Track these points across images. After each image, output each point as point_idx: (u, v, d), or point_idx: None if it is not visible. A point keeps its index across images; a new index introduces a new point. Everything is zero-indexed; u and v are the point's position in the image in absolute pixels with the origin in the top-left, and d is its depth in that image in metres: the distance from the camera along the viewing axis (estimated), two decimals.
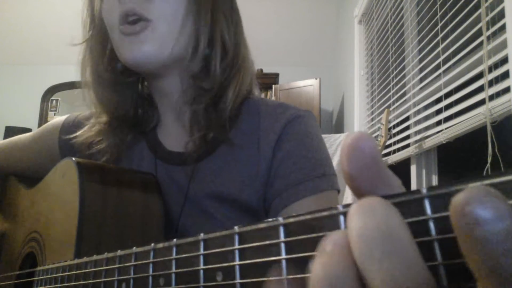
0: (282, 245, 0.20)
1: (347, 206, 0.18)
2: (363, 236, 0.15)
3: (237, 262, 0.22)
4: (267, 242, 0.21)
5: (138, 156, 0.66)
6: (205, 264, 0.24)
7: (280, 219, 0.21)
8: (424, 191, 0.16)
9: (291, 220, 0.20)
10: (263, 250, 0.21)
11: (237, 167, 0.60)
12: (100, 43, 0.63)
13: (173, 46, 0.58)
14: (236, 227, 0.23)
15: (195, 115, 0.61)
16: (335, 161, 2.23)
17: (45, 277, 0.50)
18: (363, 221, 0.16)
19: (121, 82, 0.64)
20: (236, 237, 0.22)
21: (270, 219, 0.21)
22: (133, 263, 0.31)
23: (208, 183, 0.60)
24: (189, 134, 0.62)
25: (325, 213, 0.19)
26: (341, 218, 0.18)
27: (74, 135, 0.68)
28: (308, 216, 0.20)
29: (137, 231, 0.55)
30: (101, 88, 0.64)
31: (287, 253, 0.20)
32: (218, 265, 0.23)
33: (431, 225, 0.16)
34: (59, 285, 0.45)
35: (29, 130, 3.97)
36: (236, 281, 0.21)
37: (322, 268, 0.16)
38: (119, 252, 0.34)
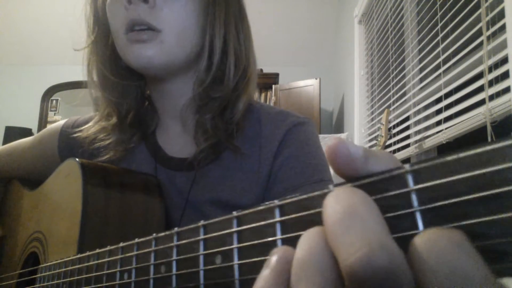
0: (278, 225, 0.21)
1: (337, 185, 0.20)
2: (329, 218, 0.17)
3: (235, 245, 0.23)
4: (263, 223, 0.22)
5: (138, 160, 0.66)
6: (205, 249, 0.25)
7: (276, 201, 0.22)
8: (407, 166, 0.17)
9: (286, 201, 0.21)
10: (260, 231, 0.22)
11: (239, 174, 0.61)
12: (105, 43, 0.63)
13: (180, 55, 0.58)
14: (234, 212, 0.23)
15: (202, 123, 0.61)
16: None
17: (48, 273, 0.50)
18: (329, 207, 0.18)
19: (126, 79, 0.64)
20: (235, 221, 0.23)
21: (267, 202, 0.22)
22: (135, 252, 0.32)
23: (210, 189, 0.60)
24: (193, 140, 0.62)
25: (317, 193, 0.20)
26: None
27: (79, 129, 0.68)
28: (302, 197, 0.21)
29: (139, 231, 0.56)
30: (108, 85, 0.64)
31: (282, 233, 0.21)
32: (217, 249, 0.24)
33: (414, 197, 0.17)
34: (62, 280, 0.45)
35: (29, 130, 3.98)
36: (234, 263, 0.22)
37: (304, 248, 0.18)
38: (122, 244, 0.34)
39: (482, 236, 0.15)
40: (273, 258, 0.20)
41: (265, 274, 0.19)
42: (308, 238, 0.19)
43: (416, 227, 0.17)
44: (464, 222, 0.15)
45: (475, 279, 0.14)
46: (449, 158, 0.16)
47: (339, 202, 0.18)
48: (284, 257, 0.19)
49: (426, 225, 0.16)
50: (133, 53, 0.56)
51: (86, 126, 0.68)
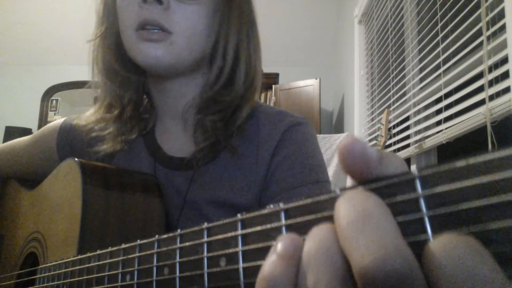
0: (283, 229, 0.21)
1: (344, 189, 0.19)
2: (343, 220, 0.17)
3: (240, 247, 0.23)
4: (269, 226, 0.22)
5: (137, 159, 0.66)
6: (208, 251, 0.25)
7: (281, 205, 0.22)
8: (415, 172, 0.17)
9: (292, 205, 0.21)
10: (265, 234, 0.22)
11: (237, 174, 0.61)
12: (113, 33, 0.63)
13: (188, 59, 0.58)
14: (239, 215, 0.23)
15: (203, 123, 0.61)
16: (334, 162, 2.23)
17: (47, 274, 0.50)
18: (343, 209, 0.18)
19: (129, 70, 0.64)
20: (239, 224, 0.23)
21: (272, 205, 0.22)
22: (137, 254, 0.32)
23: (208, 189, 0.61)
24: (192, 139, 0.62)
25: (324, 197, 0.20)
26: None
27: (77, 118, 0.68)
28: (308, 201, 0.21)
29: (139, 231, 0.55)
30: (111, 72, 0.64)
31: None
32: (222, 252, 0.24)
33: (422, 202, 0.17)
34: (62, 281, 0.45)
35: (29, 130, 3.97)
36: (239, 266, 0.22)
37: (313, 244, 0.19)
38: (123, 245, 0.34)
39: (491, 242, 0.15)
40: (281, 245, 0.20)
41: (272, 260, 0.19)
42: (317, 234, 0.19)
43: (425, 232, 0.17)
44: (473, 229, 0.15)
45: (494, 284, 0.14)
46: (458, 164, 0.16)
47: (353, 205, 0.18)
48: (292, 244, 0.19)
49: (435, 230, 0.16)
50: (142, 51, 0.56)
51: (86, 114, 0.68)
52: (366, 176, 0.19)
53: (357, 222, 0.17)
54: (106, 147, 0.64)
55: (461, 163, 0.16)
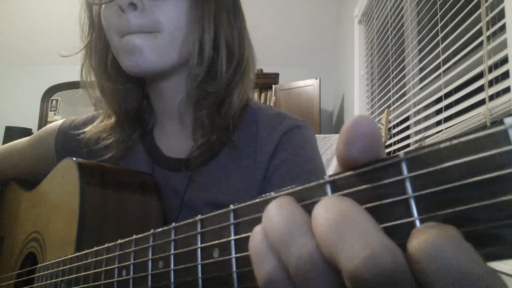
0: None
1: (333, 175, 0.20)
2: (322, 227, 0.17)
3: (232, 237, 0.23)
4: (259, 215, 0.22)
5: (135, 160, 0.66)
6: (202, 242, 0.25)
7: (272, 193, 0.22)
8: (401, 155, 0.17)
9: (282, 193, 0.21)
10: (257, 223, 0.22)
11: (235, 176, 0.60)
12: (101, 48, 0.63)
13: (174, 55, 0.57)
14: (231, 205, 0.23)
15: (199, 119, 0.60)
16: (334, 162, 2.23)
17: (45, 272, 0.50)
18: (320, 216, 0.18)
19: (127, 82, 0.64)
20: (232, 214, 0.23)
21: (263, 195, 0.22)
22: (133, 248, 0.32)
23: (206, 190, 0.60)
24: (191, 138, 0.62)
25: (313, 184, 0.20)
26: (328, 187, 0.20)
27: (81, 130, 0.68)
28: (298, 188, 0.21)
29: (137, 230, 0.55)
30: (106, 86, 0.63)
31: None
32: (215, 242, 0.24)
33: (408, 184, 0.17)
34: (60, 279, 0.45)
35: (29, 130, 3.98)
36: (232, 256, 0.22)
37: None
38: (120, 240, 0.34)
39: (476, 221, 0.15)
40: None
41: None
42: (298, 249, 0.18)
43: (410, 214, 0.17)
44: (458, 208, 0.15)
45: (475, 275, 0.14)
46: (442, 145, 0.16)
47: (329, 210, 0.17)
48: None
49: (420, 212, 0.16)
50: (128, 60, 0.55)
51: (90, 127, 0.68)
52: (369, 158, 0.19)
53: (337, 225, 0.17)
54: (111, 155, 0.64)
55: (445, 144, 0.16)
